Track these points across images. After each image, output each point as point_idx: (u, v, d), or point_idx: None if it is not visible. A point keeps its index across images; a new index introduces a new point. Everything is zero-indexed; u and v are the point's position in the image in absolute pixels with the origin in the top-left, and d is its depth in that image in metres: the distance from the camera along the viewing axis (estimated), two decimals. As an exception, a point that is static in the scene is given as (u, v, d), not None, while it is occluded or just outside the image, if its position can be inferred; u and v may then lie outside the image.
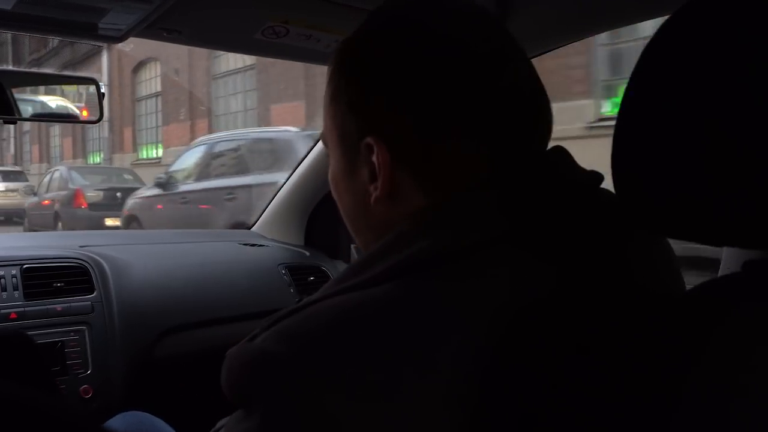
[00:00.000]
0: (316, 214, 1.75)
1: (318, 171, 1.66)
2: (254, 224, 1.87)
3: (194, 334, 1.38)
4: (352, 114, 0.58)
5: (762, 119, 0.43)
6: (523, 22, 1.05)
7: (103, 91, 1.24)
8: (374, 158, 0.56)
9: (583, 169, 0.59)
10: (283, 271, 1.58)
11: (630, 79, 0.52)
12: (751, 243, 0.47)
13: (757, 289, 0.47)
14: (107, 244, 1.49)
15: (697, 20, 0.49)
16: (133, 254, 1.46)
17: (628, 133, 0.51)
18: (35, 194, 11.95)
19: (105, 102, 1.27)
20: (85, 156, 19.07)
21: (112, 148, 17.16)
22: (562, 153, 0.59)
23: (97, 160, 18.38)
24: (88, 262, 1.34)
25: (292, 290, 1.56)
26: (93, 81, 1.24)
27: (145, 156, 16.79)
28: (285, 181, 1.78)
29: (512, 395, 0.47)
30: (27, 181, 16.04)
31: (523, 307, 0.49)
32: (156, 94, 16.14)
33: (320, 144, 1.62)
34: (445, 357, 0.46)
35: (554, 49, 1.18)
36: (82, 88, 1.29)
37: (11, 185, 15.45)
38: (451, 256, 0.50)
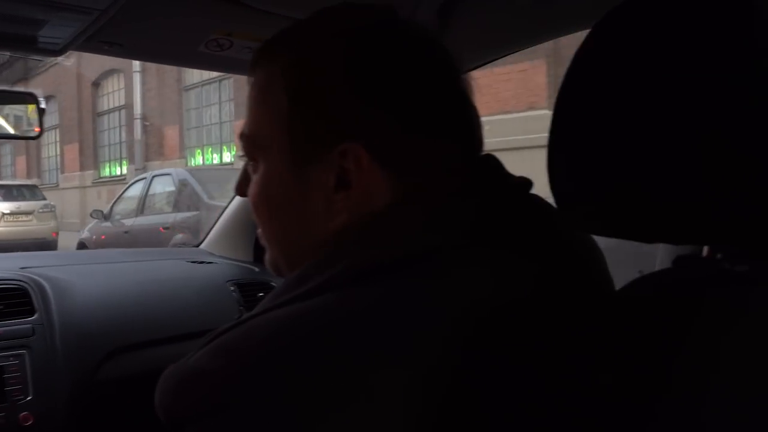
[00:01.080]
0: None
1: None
2: (202, 242, 1.84)
3: (141, 355, 1.35)
4: (321, 120, 0.55)
5: (683, 122, 0.46)
6: (463, 35, 1.08)
7: (42, 106, 1.21)
8: (348, 164, 0.53)
9: (512, 177, 0.60)
10: (232, 288, 1.57)
11: (560, 88, 0.55)
12: (680, 239, 0.50)
13: (689, 282, 0.49)
14: (50, 265, 1.45)
15: (616, 31, 0.52)
16: (77, 275, 1.42)
17: (562, 138, 0.53)
18: (105, 217, 8.07)
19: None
20: (97, 166, 17.01)
21: (146, 153, 14.73)
22: (496, 159, 0.60)
23: (117, 170, 16.34)
24: (28, 284, 1.30)
25: (241, 307, 1.54)
26: (32, 96, 1.21)
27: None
28: (233, 197, 1.77)
29: (476, 397, 0.46)
30: (44, 198, 11.85)
31: (464, 309, 0.48)
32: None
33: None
34: (387, 366, 0.45)
35: (493, 60, 1.22)
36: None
37: (23, 206, 10.96)
38: (389, 266, 0.50)
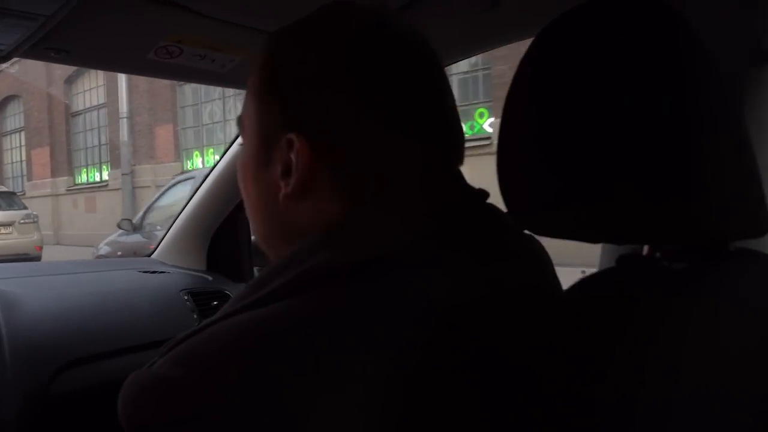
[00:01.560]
0: (218, 238, 1.73)
1: (218, 195, 1.64)
2: (155, 251, 1.82)
3: (95, 367, 1.32)
4: (277, 107, 0.57)
5: (615, 126, 0.49)
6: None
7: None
8: (292, 154, 0.55)
9: (470, 188, 0.60)
10: (185, 297, 1.55)
11: (507, 97, 0.57)
12: (621, 239, 0.52)
13: (632, 280, 0.52)
14: None
15: (555, 40, 0.55)
16: (26, 287, 1.39)
17: (508, 144, 0.55)
18: (135, 228, 6.57)
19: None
20: (71, 172, 15.27)
21: (134, 156, 13.51)
22: (458, 170, 0.61)
23: (96, 176, 14.56)
24: None
25: (195, 316, 1.53)
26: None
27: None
28: (185, 205, 1.75)
29: (431, 402, 0.46)
30: (25, 207, 10.25)
31: (423, 311, 0.49)
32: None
33: (218, 169, 1.62)
34: (346, 370, 0.45)
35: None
36: None
37: (0, 216, 9.42)
38: (348, 269, 0.50)
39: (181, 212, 1.77)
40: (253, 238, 1.77)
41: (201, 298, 1.58)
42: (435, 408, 0.45)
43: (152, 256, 1.82)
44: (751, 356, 0.54)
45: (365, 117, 0.54)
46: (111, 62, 1.13)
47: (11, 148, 17.37)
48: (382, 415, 0.44)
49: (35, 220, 9.91)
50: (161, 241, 1.81)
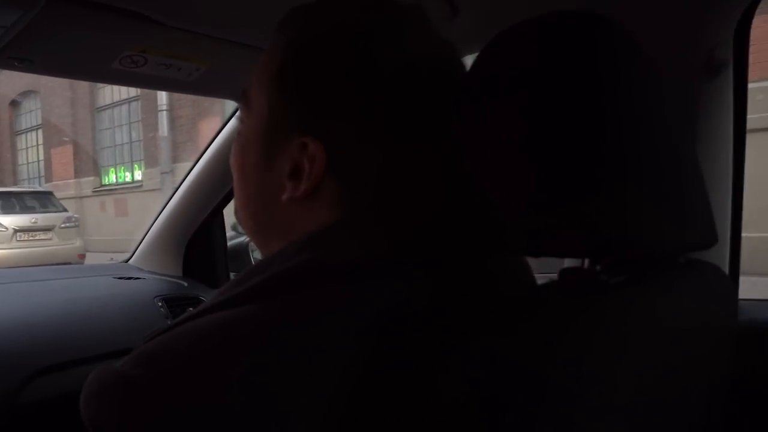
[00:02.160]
0: (194, 244, 1.73)
1: (193, 200, 1.65)
2: (131, 257, 1.82)
3: (66, 375, 1.32)
4: (293, 106, 0.56)
5: (553, 147, 0.49)
6: None
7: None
8: (305, 158, 0.54)
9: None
10: (160, 304, 1.55)
11: (455, 107, 0.57)
12: (562, 253, 0.53)
13: (569, 290, 0.53)
14: None
15: (498, 54, 0.56)
16: None
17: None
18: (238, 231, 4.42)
19: None
20: (98, 172, 13.67)
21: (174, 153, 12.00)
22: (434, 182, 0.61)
23: (127, 176, 13.04)
24: None
25: (169, 322, 1.52)
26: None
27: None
28: (160, 211, 1.75)
29: (382, 408, 0.47)
30: (65, 209, 9.13)
31: (390, 320, 0.49)
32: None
33: (193, 173, 1.62)
34: (308, 375, 0.46)
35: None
36: None
37: (38, 218, 8.21)
38: (323, 274, 0.51)
39: (157, 217, 1.77)
40: (229, 244, 1.78)
41: (175, 305, 1.57)
42: (376, 417, 0.46)
43: (129, 262, 1.82)
44: (668, 372, 0.55)
45: (374, 129, 0.55)
46: (75, 71, 1.13)
47: (26, 148, 15.84)
48: (324, 423, 0.45)
49: (77, 224, 8.85)
50: (138, 247, 1.81)
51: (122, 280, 1.64)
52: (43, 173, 15.23)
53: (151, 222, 1.78)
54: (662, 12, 0.87)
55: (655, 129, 0.54)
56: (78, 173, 14.09)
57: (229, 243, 1.79)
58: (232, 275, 1.73)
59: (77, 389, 1.15)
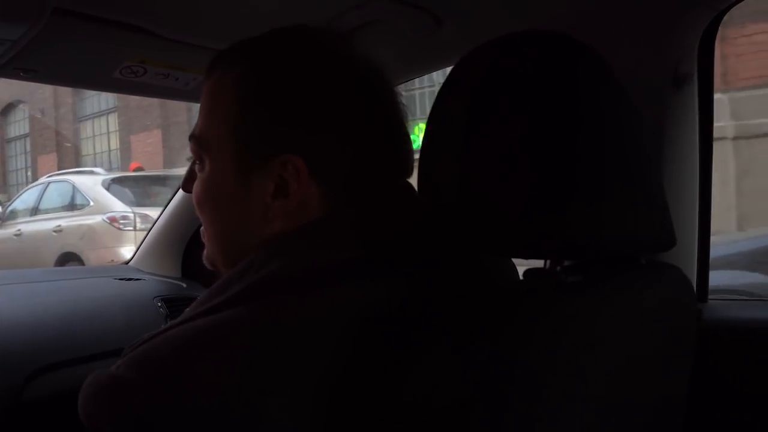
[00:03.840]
0: (192, 246, 1.77)
1: (191, 202, 1.68)
2: (132, 258, 1.86)
3: (67, 373, 1.34)
4: (261, 129, 0.58)
5: (516, 154, 0.53)
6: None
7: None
8: (287, 175, 0.57)
9: (423, 201, 0.63)
10: (159, 304, 1.58)
11: (429, 116, 0.61)
12: (526, 255, 0.57)
13: (532, 291, 0.56)
14: None
15: (472, 66, 0.60)
16: (1, 295, 1.42)
17: (426, 167, 0.60)
18: None
19: None
20: None
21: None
22: (406, 185, 0.65)
23: None
24: None
25: (168, 322, 1.56)
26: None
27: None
28: (160, 213, 1.79)
29: (363, 403, 0.49)
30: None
31: (368, 319, 0.52)
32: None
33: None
34: (291, 374, 0.49)
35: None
36: None
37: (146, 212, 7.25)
38: (300, 277, 0.54)
39: (157, 220, 1.81)
40: None
41: (174, 305, 1.60)
42: (356, 411, 0.49)
43: (130, 264, 1.86)
44: (630, 367, 0.59)
45: (340, 136, 0.59)
46: (78, 81, 1.17)
47: (14, 155, 15.51)
48: (310, 418, 0.48)
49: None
50: (138, 249, 1.85)
51: (123, 281, 1.67)
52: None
53: (151, 224, 1.82)
54: (629, 28, 0.91)
55: (616, 139, 0.57)
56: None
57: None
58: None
59: (79, 387, 1.18)
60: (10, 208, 7.95)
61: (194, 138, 0.63)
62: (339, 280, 0.55)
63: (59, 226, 6.71)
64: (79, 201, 6.85)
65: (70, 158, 14.00)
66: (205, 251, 0.67)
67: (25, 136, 14.90)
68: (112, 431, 0.48)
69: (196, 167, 0.64)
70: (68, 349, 1.37)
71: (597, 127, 0.56)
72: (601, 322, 0.55)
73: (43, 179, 8.14)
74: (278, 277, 0.54)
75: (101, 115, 13.66)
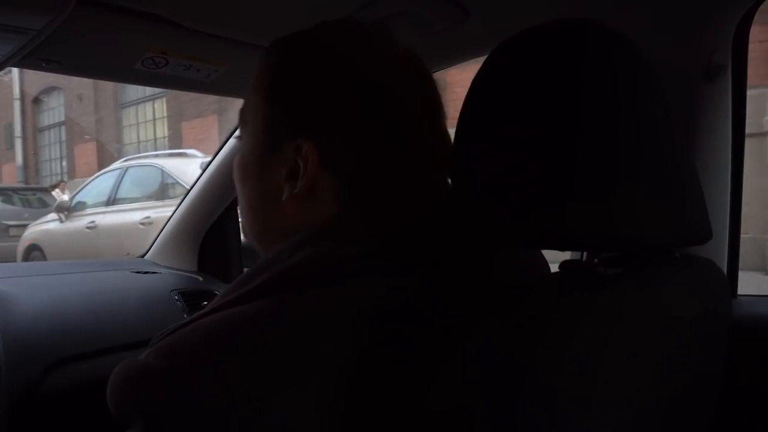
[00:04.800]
0: (208, 240, 1.77)
1: (208, 196, 1.68)
2: (147, 252, 1.86)
3: (86, 365, 1.35)
4: (285, 113, 0.61)
5: (557, 146, 0.52)
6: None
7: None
8: (300, 160, 0.59)
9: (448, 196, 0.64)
10: (176, 297, 1.59)
11: (462, 109, 0.61)
12: (563, 246, 0.56)
13: (569, 282, 0.56)
14: None
15: (505, 59, 0.59)
16: (19, 286, 1.43)
17: (462, 160, 0.59)
18: None
19: None
20: None
21: None
22: (435, 180, 0.64)
23: None
24: None
25: (185, 315, 1.56)
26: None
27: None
28: (177, 207, 1.79)
29: (377, 397, 0.50)
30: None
31: (384, 312, 0.52)
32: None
33: (209, 170, 1.66)
34: (314, 366, 0.49)
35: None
36: None
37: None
38: (324, 269, 0.54)
39: (173, 214, 1.81)
40: (243, 239, 1.81)
41: (191, 298, 1.61)
42: (372, 404, 0.49)
43: (145, 257, 1.86)
44: (663, 361, 0.58)
45: (364, 127, 0.59)
46: (100, 72, 1.17)
47: (48, 144, 14.78)
48: (331, 410, 0.49)
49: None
50: (154, 243, 1.85)
51: (139, 275, 1.68)
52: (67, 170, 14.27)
53: (167, 218, 1.82)
54: (663, 18, 0.90)
55: (652, 130, 0.56)
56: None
57: (243, 239, 1.83)
58: (245, 270, 1.77)
59: (96, 378, 1.19)
60: (78, 198, 7.28)
61: (240, 110, 0.69)
62: (358, 273, 0.55)
63: (148, 217, 5.86)
64: (171, 188, 6.17)
65: (111, 147, 13.20)
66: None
67: (59, 124, 14.23)
68: (141, 419, 0.49)
69: (240, 140, 0.69)
70: (87, 341, 1.38)
71: (634, 118, 0.55)
72: (634, 315, 0.55)
73: (117, 164, 7.36)
74: (302, 269, 0.55)
75: (146, 101, 12.78)
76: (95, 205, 6.89)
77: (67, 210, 7.12)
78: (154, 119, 12.45)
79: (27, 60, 1.03)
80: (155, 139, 12.32)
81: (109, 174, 7.11)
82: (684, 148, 0.62)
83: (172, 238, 1.79)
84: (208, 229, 1.75)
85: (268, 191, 0.63)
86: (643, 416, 0.57)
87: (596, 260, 0.62)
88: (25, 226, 8.37)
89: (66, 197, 7.96)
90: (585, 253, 0.64)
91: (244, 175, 0.66)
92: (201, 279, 1.73)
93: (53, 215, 7.36)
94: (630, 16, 0.89)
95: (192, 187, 1.73)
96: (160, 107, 11.91)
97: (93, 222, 6.64)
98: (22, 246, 7.62)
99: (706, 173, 0.90)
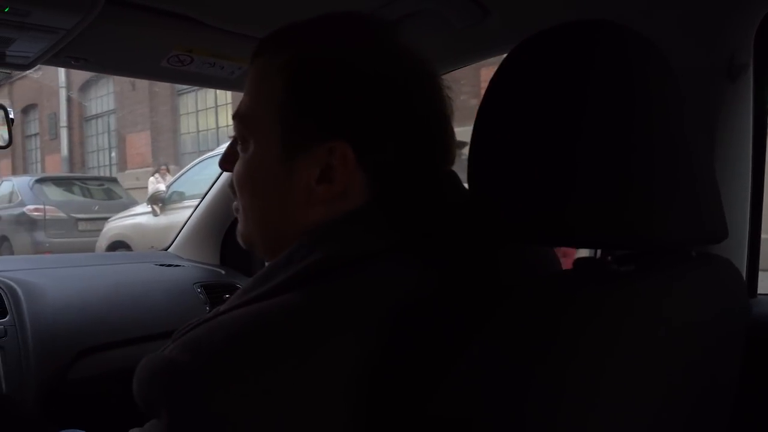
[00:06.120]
0: (231, 234, 1.79)
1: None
2: (170, 245, 1.89)
3: (110, 355, 1.39)
4: (312, 117, 0.59)
5: (572, 143, 0.53)
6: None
7: (11, 116, 1.25)
8: (335, 160, 0.58)
9: (467, 191, 0.64)
10: (199, 290, 1.61)
11: (480, 106, 0.61)
12: (578, 244, 0.57)
13: (582, 279, 0.56)
14: (21, 269, 1.49)
15: (526, 57, 0.59)
16: (47, 278, 1.46)
17: (480, 156, 0.60)
18: None
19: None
20: (178, 161, 11.57)
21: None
22: (451, 174, 0.66)
23: None
24: (0, 287, 1.34)
25: (207, 308, 1.59)
26: (1, 107, 1.25)
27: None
28: (200, 201, 1.82)
29: (400, 389, 0.50)
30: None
31: (407, 306, 0.53)
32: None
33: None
34: (338, 359, 0.50)
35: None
36: None
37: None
38: (345, 264, 0.55)
39: (196, 208, 1.84)
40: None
41: (213, 291, 1.63)
42: (398, 396, 0.50)
43: (169, 250, 1.89)
44: (672, 360, 0.58)
45: (386, 126, 0.59)
46: (126, 69, 1.20)
47: (94, 135, 14.05)
48: (356, 403, 0.50)
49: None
50: (177, 236, 1.88)
51: (163, 267, 1.70)
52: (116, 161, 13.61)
53: (191, 212, 1.85)
54: (684, 17, 0.89)
55: (668, 129, 0.57)
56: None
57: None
58: (266, 264, 1.78)
59: (120, 368, 1.21)
60: (174, 188, 6.66)
61: (239, 117, 0.64)
62: (380, 267, 0.56)
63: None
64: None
65: (167, 137, 12.33)
66: (239, 228, 0.67)
67: (108, 113, 13.59)
68: (168, 413, 0.49)
69: (238, 147, 0.65)
70: (111, 331, 1.41)
71: (649, 117, 0.55)
72: (646, 313, 0.55)
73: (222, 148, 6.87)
74: (323, 265, 0.55)
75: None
76: (195, 197, 5.39)
77: (162, 202, 6.56)
78: (216, 106, 11.43)
79: (56, 58, 1.05)
80: (217, 128, 11.46)
81: (211, 160, 5.71)
82: (702, 146, 0.62)
83: (196, 232, 1.82)
84: (231, 223, 1.77)
85: (290, 196, 0.60)
86: (657, 419, 0.57)
87: (610, 258, 0.62)
88: (95, 220, 7.97)
89: (163, 186, 7.15)
90: (599, 251, 0.64)
91: (253, 186, 0.63)
92: (223, 272, 1.75)
93: (141, 207, 6.70)
94: (651, 15, 0.89)
95: (215, 182, 1.75)
96: (223, 93, 10.56)
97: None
98: (104, 242, 6.82)
99: (726, 172, 0.89)
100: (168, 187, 6.84)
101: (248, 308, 0.53)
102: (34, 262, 1.71)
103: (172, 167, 9.37)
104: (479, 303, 0.56)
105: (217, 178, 1.75)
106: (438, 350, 0.52)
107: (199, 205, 1.82)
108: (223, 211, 1.76)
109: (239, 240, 0.68)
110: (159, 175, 7.90)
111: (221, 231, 1.79)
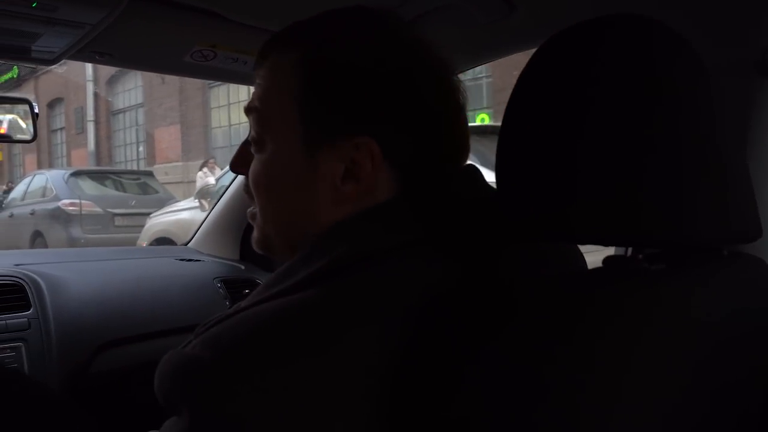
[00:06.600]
0: (251, 229, 1.79)
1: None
2: (191, 240, 1.90)
3: (131, 349, 1.40)
4: (335, 113, 0.58)
5: (605, 139, 0.52)
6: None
7: (36, 111, 1.26)
8: (361, 156, 0.57)
9: (488, 186, 0.64)
10: (219, 285, 1.62)
11: (509, 102, 0.61)
12: (608, 242, 0.56)
13: (612, 278, 0.55)
14: (44, 262, 1.50)
15: (555, 52, 0.59)
16: (69, 271, 1.48)
17: (507, 151, 0.59)
18: None
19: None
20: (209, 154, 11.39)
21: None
22: (471, 169, 0.65)
23: None
24: (24, 280, 1.35)
25: (227, 303, 1.59)
26: (26, 101, 1.26)
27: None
28: (220, 197, 1.82)
29: (423, 387, 0.50)
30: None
31: (431, 300, 0.53)
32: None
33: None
34: (360, 354, 0.49)
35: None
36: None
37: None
38: (367, 259, 0.55)
39: (216, 203, 1.85)
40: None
41: (233, 286, 1.64)
42: (421, 391, 0.50)
43: (189, 245, 1.90)
44: (698, 358, 0.57)
45: (407, 121, 0.59)
46: (150, 64, 1.20)
47: (121, 129, 14.08)
48: (378, 399, 0.49)
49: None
50: (197, 231, 1.89)
51: (183, 262, 1.71)
52: (144, 155, 13.73)
53: (211, 207, 1.86)
54: (715, 12, 0.88)
55: (697, 126, 0.56)
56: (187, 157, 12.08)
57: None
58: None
59: (141, 362, 1.22)
60: (223, 182, 5.92)
61: (257, 111, 0.62)
62: (404, 262, 0.55)
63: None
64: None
65: (197, 131, 12.22)
66: (255, 234, 0.66)
67: (136, 106, 13.59)
68: (189, 409, 0.49)
69: (252, 148, 0.63)
70: (132, 325, 1.42)
71: (677, 114, 0.54)
72: (676, 313, 0.54)
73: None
74: (345, 260, 0.55)
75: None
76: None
77: (210, 196, 6.37)
78: (248, 100, 11.58)
79: (81, 53, 1.06)
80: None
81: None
82: (734, 144, 0.61)
83: (216, 227, 1.82)
84: (251, 218, 1.77)
85: (314, 196, 0.59)
86: (679, 419, 0.56)
87: (640, 256, 0.61)
88: (132, 215, 7.79)
89: (212, 180, 7.06)
90: (629, 249, 0.63)
91: (273, 186, 0.61)
92: (243, 267, 1.76)
93: (185, 202, 6.45)
94: (682, 10, 0.88)
95: (235, 178, 1.76)
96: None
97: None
98: (146, 239, 6.49)
99: (761, 170, 0.88)
100: (217, 180, 6.64)
101: (269, 304, 0.53)
102: (56, 256, 1.73)
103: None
104: (502, 299, 0.55)
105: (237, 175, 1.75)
106: (461, 347, 0.52)
107: (220, 199, 1.82)
108: (243, 206, 1.76)
109: (255, 246, 0.67)
110: (207, 169, 7.76)
111: (241, 226, 1.80)
